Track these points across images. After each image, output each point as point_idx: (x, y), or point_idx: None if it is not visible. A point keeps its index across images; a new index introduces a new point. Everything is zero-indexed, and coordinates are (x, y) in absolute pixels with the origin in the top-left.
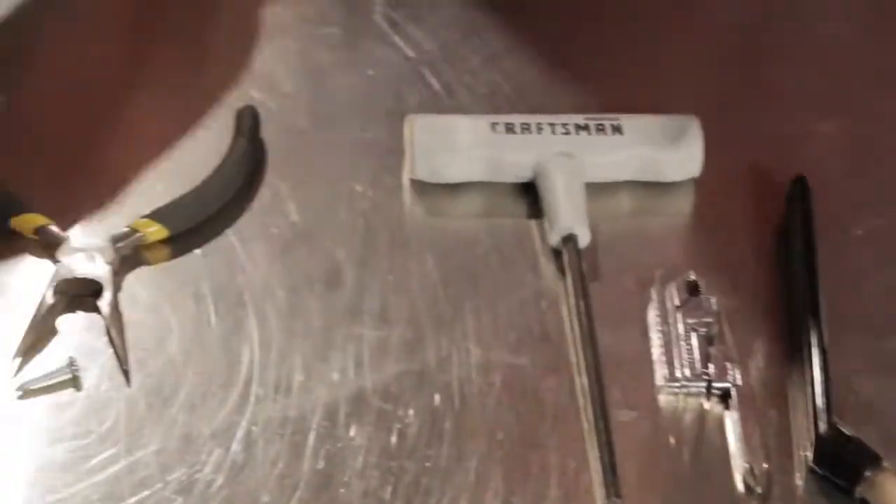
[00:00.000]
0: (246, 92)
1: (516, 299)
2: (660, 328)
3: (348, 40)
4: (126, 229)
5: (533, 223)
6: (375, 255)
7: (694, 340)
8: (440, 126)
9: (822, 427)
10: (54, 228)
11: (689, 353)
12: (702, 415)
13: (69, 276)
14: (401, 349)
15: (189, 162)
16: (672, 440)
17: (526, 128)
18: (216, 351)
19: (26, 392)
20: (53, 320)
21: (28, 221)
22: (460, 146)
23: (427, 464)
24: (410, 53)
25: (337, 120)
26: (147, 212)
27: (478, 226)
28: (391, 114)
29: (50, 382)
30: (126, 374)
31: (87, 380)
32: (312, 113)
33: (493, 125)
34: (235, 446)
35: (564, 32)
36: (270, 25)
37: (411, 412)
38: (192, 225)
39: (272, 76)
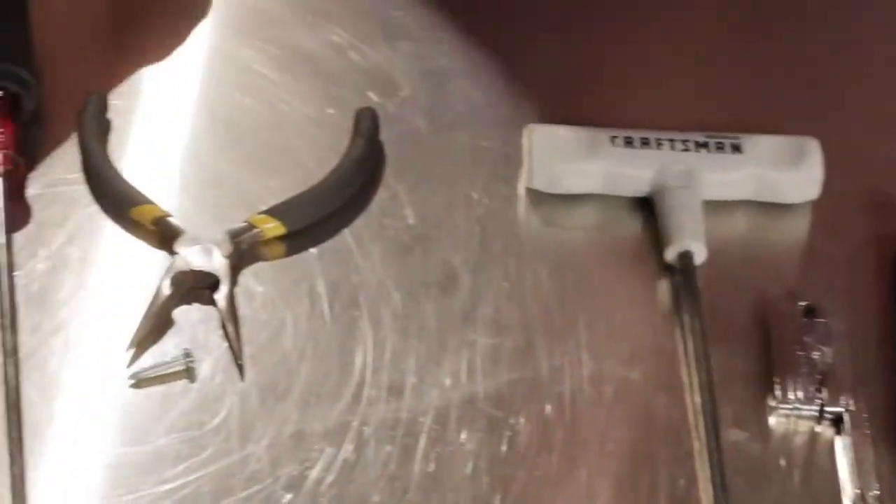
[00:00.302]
0: (365, 93)
1: (629, 313)
2: (774, 349)
3: (466, 42)
4: (244, 224)
5: (648, 238)
6: (490, 262)
7: (808, 363)
8: (559, 137)
9: None
10: (172, 220)
11: (802, 376)
12: (813, 438)
13: (186, 268)
14: (513, 357)
15: (307, 161)
16: (782, 462)
17: (645, 142)
18: (330, 350)
19: (140, 381)
20: (169, 312)
21: (147, 212)
22: (579, 158)
23: (536, 473)
24: (530, 61)
25: (454, 125)
26: (264, 208)
27: (593, 238)
28: (508, 121)
29: (164, 373)
30: (240, 368)
31: (201, 372)
32: (430, 117)
33: (613, 138)
34: (347, 445)
35: (681, 49)
36: (391, 27)
37: (522, 420)
38: (309, 223)
39: (391, 78)
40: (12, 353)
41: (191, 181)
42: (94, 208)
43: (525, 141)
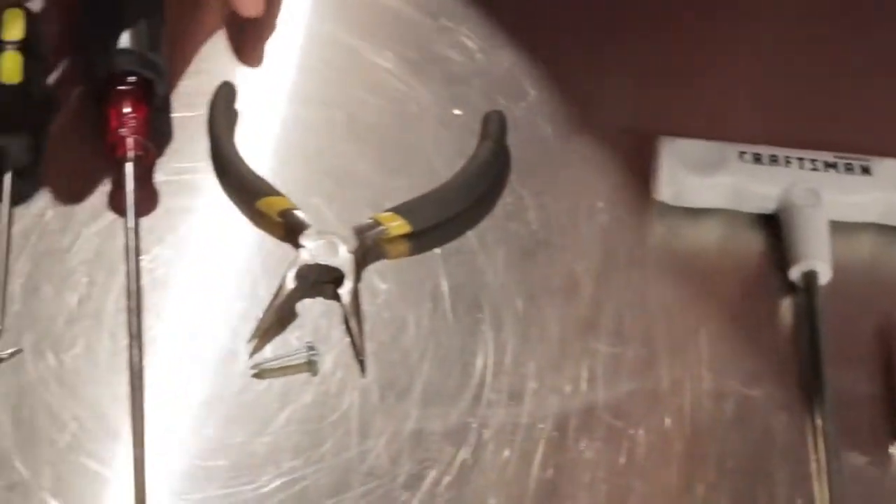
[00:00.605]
0: (492, 96)
1: (751, 330)
2: None
3: (595, 49)
4: (369, 221)
5: (772, 255)
6: (613, 270)
7: None
8: (688, 150)
9: None
10: (299, 213)
11: None
12: None
13: (311, 261)
14: (634, 367)
15: (434, 161)
16: None
17: (774, 160)
18: (451, 350)
19: (262, 372)
20: (292, 304)
21: (274, 204)
22: (706, 172)
23: (654, 485)
24: (662, 73)
25: (581, 132)
26: (389, 206)
27: (717, 252)
28: (636, 131)
29: (286, 365)
30: (362, 364)
31: (322, 366)
32: (557, 123)
33: (741, 154)
34: (465, 447)
35: (813, 67)
36: (519, 31)
37: (641, 432)
38: (434, 223)
39: (519, 83)
40: (137, 336)
41: (317, 175)
42: (221, 197)
43: (656, 152)
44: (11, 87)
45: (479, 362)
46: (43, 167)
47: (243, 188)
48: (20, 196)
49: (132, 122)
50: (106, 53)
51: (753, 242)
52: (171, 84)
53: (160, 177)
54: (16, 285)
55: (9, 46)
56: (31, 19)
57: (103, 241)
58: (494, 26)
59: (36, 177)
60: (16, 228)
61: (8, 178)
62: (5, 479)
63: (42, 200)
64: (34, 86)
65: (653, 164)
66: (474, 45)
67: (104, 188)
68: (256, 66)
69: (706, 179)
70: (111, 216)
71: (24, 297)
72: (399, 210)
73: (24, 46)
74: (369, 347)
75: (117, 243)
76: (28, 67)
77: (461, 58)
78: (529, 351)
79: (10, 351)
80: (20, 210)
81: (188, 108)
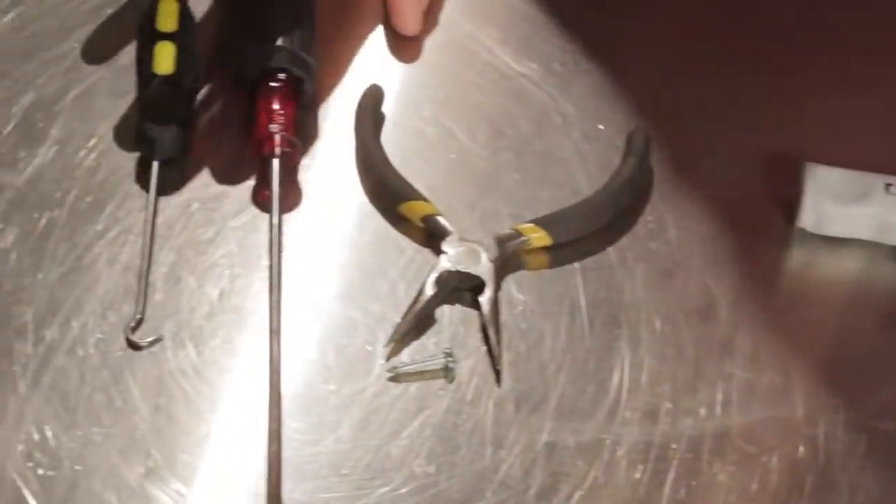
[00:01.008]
0: (637, 113)
1: (890, 363)
2: None
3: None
4: (511, 231)
5: None
6: (751, 295)
7: None
8: (833, 179)
9: None
10: (441, 219)
11: None
12: None
13: (452, 268)
14: (769, 394)
15: (576, 175)
16: None
17: None
18: (587, 365)
19: (398, 376)
20: (431, 310)
21: (417, 209)
22: (850, 202)
23: None
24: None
25: (725, 155)
26: (530, 217)
27: (856, 283)
28: (781, 158)
29: (423, 370)
30: (498, 373)
31: (458, 374)
32: (700, 144)
33: (888, 186)
34: (598, 463)
35: None
36: (664, 49)
37: (774, 459)
38: (575, 237)
39: (664, 101)
40: (277, 332)
41: (460, 183)
42: (363, 198)
43: (801, 179)
44: (164, 77)
45: (614, 379)
46: (189, 158)
47: (387, 191)
48: (165, 186)
49: (281, 119)
50: (259, 50)
51: (894, 276)
52: (319, 83)
53: (304, 174)
54: (158, 275)
55: (163, 37)
56: (184, 10)
57: (246, 235)
58: (640, 43)
59: (182, 167)
60: (161, 219)
61: (155, 167)
62: (141, 466)
63: (188, 192)
64: (185, 77)
65: (796, 190)
66: (620, 61)
67: (249, 183)
68: (409, 61)
69: (850, 210)
70: (255, 211)
71: (166, 287)
72: (541, 222)
73: (176, 37)
74: (506, 357)
75: (260, 238)
76: (180, 59)
77: (608, 73)
78: (665, 371)
79: (150, 339)
80: (165, 200)
81: (335, 107)
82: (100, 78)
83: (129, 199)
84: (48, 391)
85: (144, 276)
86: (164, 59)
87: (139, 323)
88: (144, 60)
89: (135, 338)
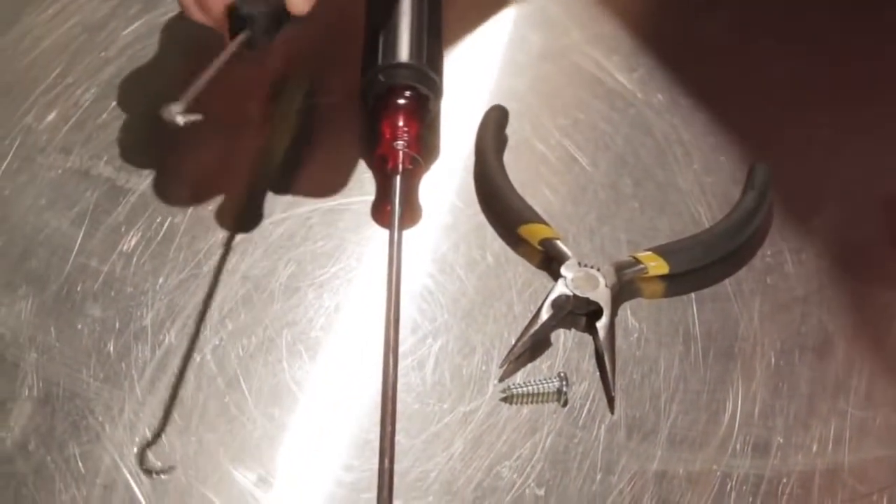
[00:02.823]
0: (759, 148)
1: None
2: None
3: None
4: (629, 258)
5: None
6: (867, 334)
7: None
8: None
9: None
10: (559, 244)
11: None
12: None
13: (569, 292)
14: (883, 433)
15: (695, 205)
16: None
17: None
18: (701, 396)
19: (512, 397)
20: (547, 333)
21: (536, 232)
22: None
23: None
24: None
25: (841, 193)
26: (648, 245)
27: None
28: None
29: (536, 392)
30: (611, 399)
31: (571, 398)
32: (820, 182)
33: None
34: (708, 494)
35: None
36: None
37: (885, 499)
38: (693, 267)
39: (786, 138)
40: (393, 349)
41: (580, 208)
42: (482, 219)
43: None
44: None
45: (727, 410)
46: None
47: (507, 212)
48: (287, 193)
49: (405, 136)
50: (387, 67)
51: None
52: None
53: (425, 192)
54: (276, 285)
55: None
56: None
57: (365, 249)
58: (765, 78)
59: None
60: (281, 230)
61: (243, 35)
62: (253, 473)
63: (308, 205)
64: None
65: None
66: (744, 94)
67: (369, 198)
68: (534, 85)
69: None
70: (374, 226)
71: (284, 297)
72: (659, 251)
73: None
74: (619, 384)
75: (379, 253)
76: None
77: (731, 105)
78: (778, 405)
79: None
80: (286, 212)
81: (459, 126)
82: None
83: (247, 210)
84: (164, 395)
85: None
86: None
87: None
88: None
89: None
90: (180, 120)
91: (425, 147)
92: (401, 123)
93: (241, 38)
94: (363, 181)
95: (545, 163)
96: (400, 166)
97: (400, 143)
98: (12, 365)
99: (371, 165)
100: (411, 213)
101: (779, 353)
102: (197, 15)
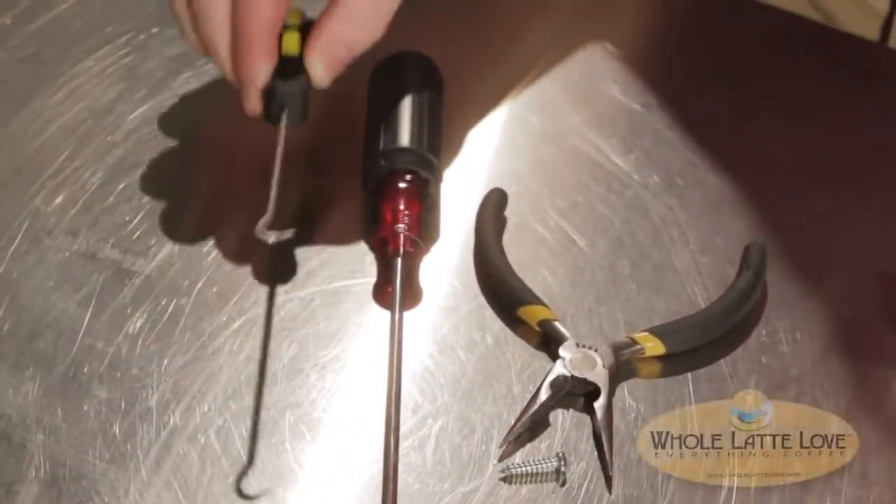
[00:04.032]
0: (754, 229)
1: None
2: None
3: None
4: (626, 339)
5: None
6: (862, 413)
7: None
8: None
9: None
10: (558, 325)
11: None
12: None
13: (567, 373)
14: None
15: (691, 286)
16: None
17: None
18: (697, 475)
19: (511, 477)
20: (546, 413)
21: (535, 313)
22: None
23: None
24: None
25: (835, 269)
26: (645, 326)
27: None
28: (893, 275)
29: (535, 472)
30: (608, 480)
31: (570, 477)
32: (815, 261)
33: None
34: None
35: None
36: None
37: None
38: (689, 347)
39: (780, 217)
40: (395, 429)
41: (577, 290)
42: (482, 300)
43: None
44: (291, 57)
45: (723, 489)
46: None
47: (506, 294)
48: (287, 278)
49: (406, 219)
50: (388, 151)
51: None
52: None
53: (425, 274)
54: (279, 366)
55: (289, 28)
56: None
57: (367, 331)
58: (760, 158)
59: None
60: (284, 312)
61: (283, 123)
62: None
63: (311, 286)
64: None
65: None
66: (739, 175)
67: (370, 280)
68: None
69: None
70: (375, 308)
71: (287, 378)
72: (655, 331)
73: (301, 28)
74: (617, 463)
75: (380, 335)
76: (304, 43)
77: (726, 186)
78: (773, 484)
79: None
80: (288, 294)
81: (458, 208)
82: None
83: (253, 291)
84: (169, 476)
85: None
86: (291, 44)
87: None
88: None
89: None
90: (271, 238)
91: (426, 229)
92: (402, 207)
93: (283, 122)
94: (364, 263)
95: (544, 245)
96: (401, 249)
97: (401, 226)
98: (19, 446)
99: (372, 247)
100: (412, 294)
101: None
102: (250, 106)
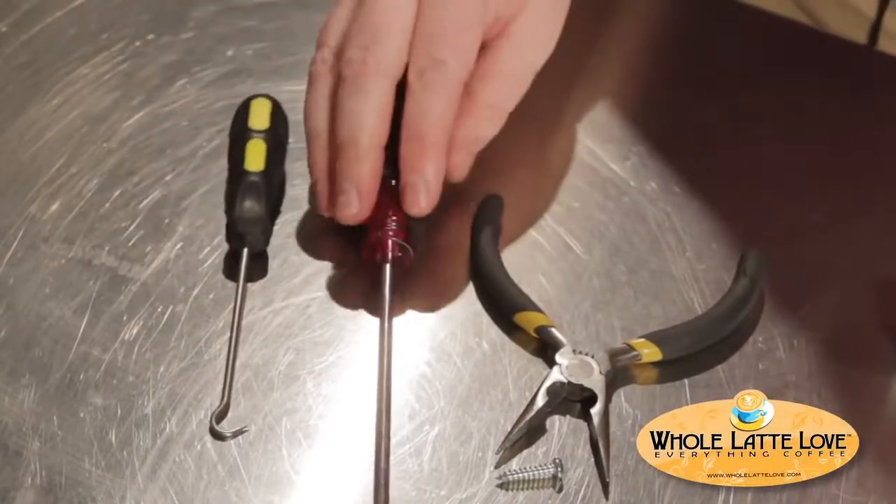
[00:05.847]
0: (748, 235)
1: None
2: None
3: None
4: (623, 346)
5: None
6: (858, 420)
7: None
8: None
9: None
10: (555, 331)
11: None
12: None
13: (564, 379)
14: None
15: (688, 292)
16: None
17: None
18: (695, 482)
19: (507, 484)
20: (542, 419)
21: (531, 320)
22: None
23: None
24: None
25: (831, 282)
26: (642, 332)
27: None
28: (889, 283)
29: (532, 478)
30: (605, 486)
31: (566, 484)
32: (812, 270)
33: None
34: None
35: None
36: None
37: None
38: (686, 354)
39: (777, 226)
40: (386, 436)
41: (574, 296)
42: (478, 306)
43: None
44: (254, 173)
45: (720, 495)
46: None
47: (502, 300)
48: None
49: (392, 225)
50: None
51: None
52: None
53: (421, 280)
54: (276, 373)
55: (255, 135)
56: (276, 108)
57: (362, 338)
58: (756, 166)
59: (265, 258)
60: (279, 319)
61: (245, 254)
62: None
63: (306, 294)
64: (273, 173)
65: None
66: (736, 182)
67: (365, 288)
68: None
69: None
70: (368, 315)
71: (283, 385)
72: (652, 338)
73: (267, 135)
74: (614, 470)
75: (376, 341)
76: (270, 155)
77: (722, 193)
78: (771, 490)
79: (235, 429)
80: (285, 301)
81: (454, 214)
82: (227, 178)
83: (249, 298)
84: (165, 483)
85: (230, 360)
86: (255, 156)
87: (224, 412)
88: (236, 157)
89: (219, 428)
90: (227, 434)
91: (416, 235)
92: (388, 212)
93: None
94: (360, 270)
95: (540, 251)
96: (389, 255)
97: (386, 232)
98: (15, 453)
99: (361, 254)
100: (402, 302)
101: None
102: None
